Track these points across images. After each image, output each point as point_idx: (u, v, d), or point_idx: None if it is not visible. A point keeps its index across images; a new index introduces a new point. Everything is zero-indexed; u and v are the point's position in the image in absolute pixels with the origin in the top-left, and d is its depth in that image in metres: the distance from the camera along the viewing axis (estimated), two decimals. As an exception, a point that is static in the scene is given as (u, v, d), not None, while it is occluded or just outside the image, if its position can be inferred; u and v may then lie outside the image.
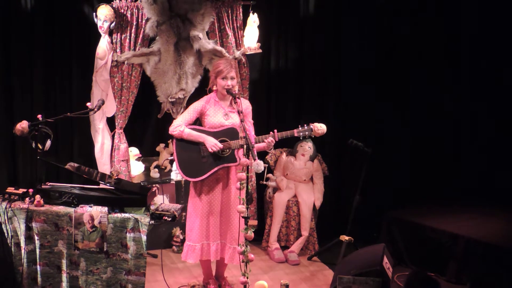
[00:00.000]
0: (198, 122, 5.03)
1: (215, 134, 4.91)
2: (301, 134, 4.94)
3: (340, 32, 6.43)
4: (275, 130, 4.91)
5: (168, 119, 5.80)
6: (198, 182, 4.97)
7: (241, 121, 4.66)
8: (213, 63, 5.26)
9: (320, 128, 4.95)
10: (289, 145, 6.15)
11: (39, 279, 4.59)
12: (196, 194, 5.01)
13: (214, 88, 5.00)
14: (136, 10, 5.62)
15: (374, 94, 6.51)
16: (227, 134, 4.91)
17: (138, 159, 6.18)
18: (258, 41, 5.96)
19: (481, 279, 5.24)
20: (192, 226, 5.03)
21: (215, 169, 4.91)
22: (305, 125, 4.95)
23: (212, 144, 4.87)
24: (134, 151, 6.10)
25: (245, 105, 5.05)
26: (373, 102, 6.52)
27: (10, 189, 4.66)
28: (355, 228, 5.80)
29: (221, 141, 4.88)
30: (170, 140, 5.99)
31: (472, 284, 5.22)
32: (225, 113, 4.97)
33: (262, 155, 5.87)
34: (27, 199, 4.59)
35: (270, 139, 4.88)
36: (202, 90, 5.48)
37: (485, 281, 5.22)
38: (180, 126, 4.93)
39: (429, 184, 6.55)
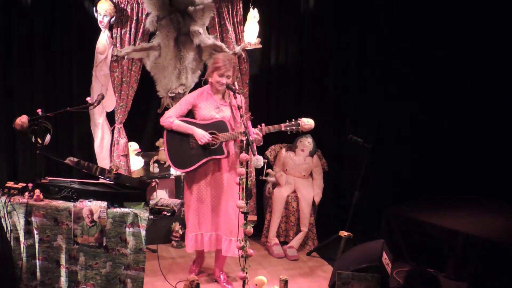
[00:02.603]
0: (191, 114, 5.07)
1: (204, 127, 4.95)
2: (288, 128, 4.95)
3: (340, 27, 6.42)
4: (263, 124, 4.93)
5: (168, 114, 5.81)
6: (190, 174, 5.03)
7: (241, 116, 4.67)
8: (213, 57, 5.26)
9: (307, 123, 4.96)
10: (289, 140, 6.14)
11: (38, 273, 4.59)
12: (188, 186, 5.09)
13: (210, 80, 5.02)
14: (136, 5, 5.62)
15: (374, 89, 6.50)
16: (215, 126, 4.95)
17: (137, 154, 6.18)
18: (258, 37, 5.94)
19: (481, 275, 5.24)
20: (187, 217, 5.13)
21: (203, 160, 4.94)
22: (293, 120, 4.96)
23: (201, 136, 4.90)
24: (134, 146, 6.10)
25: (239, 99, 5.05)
26: (373, 98, 6.51)
27: (10, 184, 4.65)
28: (355, 224, 5.80)
29: (210, 134, 4.92)
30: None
31: (472, 280, 5.22)
32: (216, 106, 5.00)
33: (261, 150, 5.87)
34: (26, 193, 4.59)
35: (256, 132, 4.86)
36: (201, 85, 5.46)
37: (484, 277, 5.22)
38: (170, 117, 4.99)
39: (429, 180, 6.53)
